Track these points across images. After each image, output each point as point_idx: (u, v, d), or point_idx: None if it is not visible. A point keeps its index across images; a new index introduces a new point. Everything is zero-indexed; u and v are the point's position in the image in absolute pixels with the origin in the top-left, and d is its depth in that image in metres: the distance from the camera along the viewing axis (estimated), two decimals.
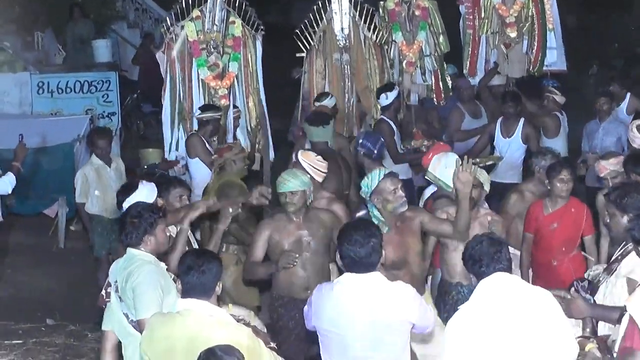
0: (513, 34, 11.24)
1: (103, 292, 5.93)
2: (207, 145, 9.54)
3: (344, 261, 5.26)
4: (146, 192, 6.43)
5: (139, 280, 5.41)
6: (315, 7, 10.91)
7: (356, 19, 10.93)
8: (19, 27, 16.43)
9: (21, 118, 13.67)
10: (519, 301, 4.66)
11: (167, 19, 10.54)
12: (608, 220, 5.73)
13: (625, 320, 4.64)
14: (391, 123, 10.12)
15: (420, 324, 5.26)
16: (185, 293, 4.91)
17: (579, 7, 16.06)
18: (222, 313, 4.93)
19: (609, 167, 7.57)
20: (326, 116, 9.20)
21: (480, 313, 4.66)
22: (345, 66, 10.92)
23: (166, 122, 10.46)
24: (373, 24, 10.96)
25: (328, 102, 10.12)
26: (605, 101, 10.44)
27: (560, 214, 7.54)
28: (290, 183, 6.85)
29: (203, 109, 9.86)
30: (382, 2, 11.29)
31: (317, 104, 10.18)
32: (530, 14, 11.30)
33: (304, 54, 10.94)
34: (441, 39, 11.35)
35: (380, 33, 10.98)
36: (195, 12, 10.32)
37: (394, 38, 11.18)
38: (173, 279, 5.68)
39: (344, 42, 10.88)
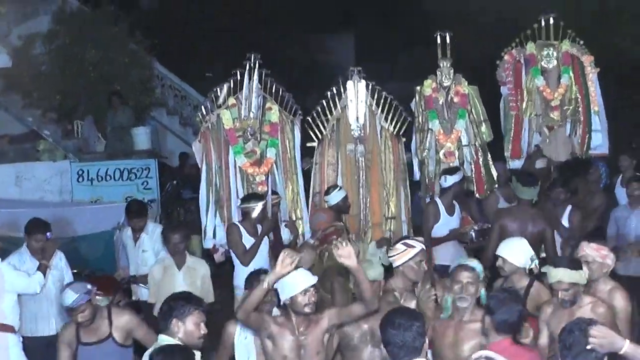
0: (557, 117, 11.10)
1: None
2: (247, 235, 9.30)
3: (388, 348, 5.10)
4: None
5: None
6: (329, 93, 10.56)
7: (373, 108, 10.55)
8: (59, 115, 16.66)
9: (61, 206, 13.72)
10: None
11: (202, 107, 10.44)
12: None
13: None
14: (440, 206, 9.87)
15: None
16: None
17: (615, 83, 15.93)
18: None
19: None
20: (535, 177, 9.24)
21: None
22: (360, 158, 10.48)
23: (202, 211, 10.29)
24: (390, 114, 10.54)
25: (337, 195, 9.90)
26: (638, 186, 9.97)
27: None
28: None
29: (244, 199, 9.66)
30: (418, 88, 10.95)
31: (326, 199, 10.00)
32: (574, 96, 11.13)
33: (315, 144, 10.62)
34: (483, 127, 10.93)
35: (398, 124, 10.54)
36: (231, 100, 10.22)
37: (430, 126, 10.78)
38: None
39: (359, 132, 10.46)
